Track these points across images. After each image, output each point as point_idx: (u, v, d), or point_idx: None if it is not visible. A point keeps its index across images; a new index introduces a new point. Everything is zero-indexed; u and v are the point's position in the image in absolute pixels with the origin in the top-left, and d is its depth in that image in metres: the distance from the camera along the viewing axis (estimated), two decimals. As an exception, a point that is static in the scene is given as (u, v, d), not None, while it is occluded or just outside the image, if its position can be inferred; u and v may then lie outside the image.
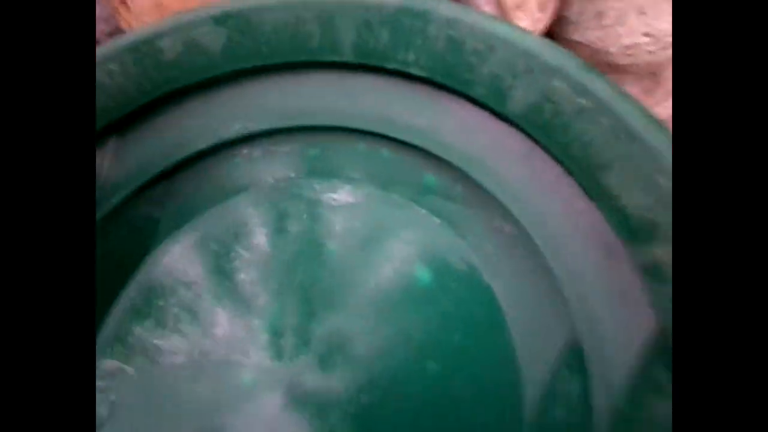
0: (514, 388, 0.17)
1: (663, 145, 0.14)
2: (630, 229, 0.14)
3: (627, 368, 0.15)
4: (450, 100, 0.19)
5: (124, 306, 0.21)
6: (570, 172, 0.16)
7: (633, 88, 0.36)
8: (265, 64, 0.20)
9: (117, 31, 0.24)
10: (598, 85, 0.15)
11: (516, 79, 0.16)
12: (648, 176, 0.14)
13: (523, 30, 0.17)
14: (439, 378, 0.18)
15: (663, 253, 0.14)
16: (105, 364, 0.20)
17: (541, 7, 0.30)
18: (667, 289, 0.14)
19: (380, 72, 0.19)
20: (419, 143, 0.20)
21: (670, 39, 0.31)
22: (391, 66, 0.19)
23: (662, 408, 0.14)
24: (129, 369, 0.20)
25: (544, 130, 0.16)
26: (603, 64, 0.34)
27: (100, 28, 0.24)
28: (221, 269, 0.21)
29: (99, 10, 0.24)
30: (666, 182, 0.14)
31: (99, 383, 0.20)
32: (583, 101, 0.15)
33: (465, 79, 0.17)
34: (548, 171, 0.17)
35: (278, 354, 0.20)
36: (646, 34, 0.32)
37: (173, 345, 0.20)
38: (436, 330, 0.18)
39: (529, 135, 0.17)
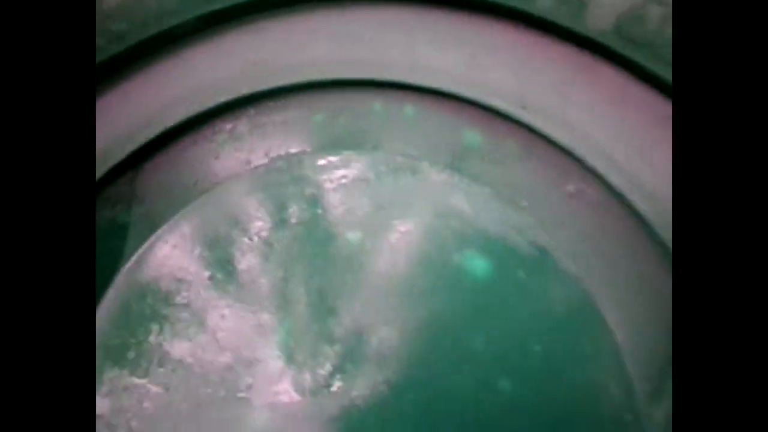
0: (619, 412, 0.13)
1: None
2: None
3: None
4: (498, 24, 0.13)
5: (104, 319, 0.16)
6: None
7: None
8: (239, 3, 0.15)
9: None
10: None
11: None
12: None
13: None
14: (515, 403, 0.13)
15: None
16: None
17: None
18: None
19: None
20: (455, 90, 0.15)
21: None
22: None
23: None
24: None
25: (643, 45, 0.11)
26: None
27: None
28: (218, 276, 0.17)
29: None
30: None
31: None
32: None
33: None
34: (651, 106, 0.12)
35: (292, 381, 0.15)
36: None
37: (177, 353, 0.16)
38: (507, 338, 0.14)
39: (618, 56, 0.12)
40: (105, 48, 0.15)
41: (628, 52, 0.11)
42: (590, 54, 0.12)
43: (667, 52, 0.11)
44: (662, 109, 0.12)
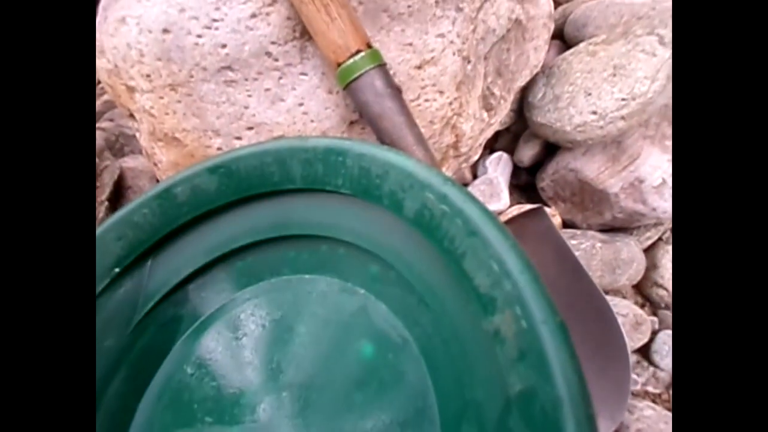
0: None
1: (496, 238, 0.18)
2: (481, 303, 0.19)
3: (495, 420, 0.18)
4: (373, 211, 0.24)
5: (157, 388, 0.28)
6: (447, 261, 0.21)
7: (602, 156, 0.39)
8: (245, 196, 0.27)
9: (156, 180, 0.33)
10: (453, 194, 0.20)
11: (405, 193, 0.22)
12: (487, 262, 0.18)
13: (409, 157, 0.22)
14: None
15: (501, 321, 0.18)
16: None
17: (487, 106, 0.35)
18: (507, 351, 0.17)
19: (324, 193, 0.26)
20: (361, 244, 0.25)
21: (614, 114, 0.35)
22: (328, 188, 0.25)
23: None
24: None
25: (427, 229, 0.21)
26: (564, 141, 0.39)
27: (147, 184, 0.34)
28: (229, 350, 0.27)
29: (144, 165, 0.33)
30: (498, 267, 0.18)
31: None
32: (445, 207, 0.20)
33: (375, 194, 0.23)
34: (438, 260, 0.21)
35: (269, 411, 0.25)
36: (593, 113, 0.36)
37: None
38: (374, 395, 0.23)
39: (421, 234, 0.22)
40: (178, 219, 0.28)
41: (421, 231, 0.21)
42: (412, 228, 0.23)
43: (435, 232, 0.21)
44: (443, 261, 0.21)
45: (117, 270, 0.27)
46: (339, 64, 0.26)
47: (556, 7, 0.50)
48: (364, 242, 0.25)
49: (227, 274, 0.29)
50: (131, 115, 0.30)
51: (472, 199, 0.20)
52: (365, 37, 0.26)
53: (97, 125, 0.47)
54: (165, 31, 0.27)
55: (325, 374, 0.25)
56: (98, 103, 0.49)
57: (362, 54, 0.25)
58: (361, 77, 0.25)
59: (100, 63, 0.28)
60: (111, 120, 0.48)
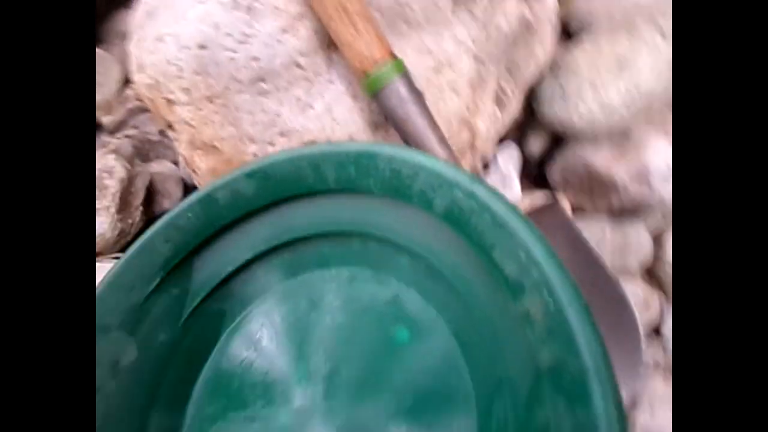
0: (468, 410, 0.23)
1: (522, 230, 0.21)
2: (510, 289, 0.21)
3: (527, 391, 0.20)
4: (403, 208, 0.26)
5: (206, 379, 0.30)
6: (477, 252, 0.23)
7: (609, 145, 0.41)
8: (282, 198, 0.29)
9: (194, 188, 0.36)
10: (480, 191, 0.22)
11: (434, 192, 0.24)
12: (515, 252, 0.21)
13: (437, 158, 0.25)
14: (410, 408, 0.25)
15: (530, 304, 0.20)
16: None
17: (499, 104, 0.37)
18: (537, 331, 0.20)
19: (356, 193, 0.28)
20: (392, 238, 0.28)
21: (620, 106, 0.37)
22: (360, 189, 0.27)
23: (544, 416, 0.19)
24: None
25: (457, 225, 0.23)
26: (572, 132, 0.41)
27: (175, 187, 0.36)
28: (271, 339, 0.30)
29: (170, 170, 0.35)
30: (525, 256, 0.20)
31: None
32: (473, 203, 0.22)
33: (405, 194, 0.25)
34: (467, 251, 0.24)
35: (312, 394, 0.27)
36: (600, 104, 0.38)
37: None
38: (411, 376, 0.25)
39: (451, 228, 0.24)
40: (220, 221, 0.30)
41: (451, 226, 0.24)
42: (442, 224, 0.25)
43: (465, 227, 0.23)
44: (472, 252, 0.24)
45: (165, 271, 0.30)
46: (365, 72, 0.28)
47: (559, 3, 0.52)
48: (395, 237, 0.28)
49: (267, 270, 0.31)
50: (170, 126, 0.32)
51: (498, 195, 0.22)
52: (389, 48, 0.28)
53: (124, 133, 0.49)
54: (201, 47, 0.29)
55: (366, 358, 0.27)
56: (123, 111, 0.51)
57: (387, 64, 0.27)
58: (386, 86, 0.27)
59: (141, 78, 0.30)
60: (136, 127, 0.50)
